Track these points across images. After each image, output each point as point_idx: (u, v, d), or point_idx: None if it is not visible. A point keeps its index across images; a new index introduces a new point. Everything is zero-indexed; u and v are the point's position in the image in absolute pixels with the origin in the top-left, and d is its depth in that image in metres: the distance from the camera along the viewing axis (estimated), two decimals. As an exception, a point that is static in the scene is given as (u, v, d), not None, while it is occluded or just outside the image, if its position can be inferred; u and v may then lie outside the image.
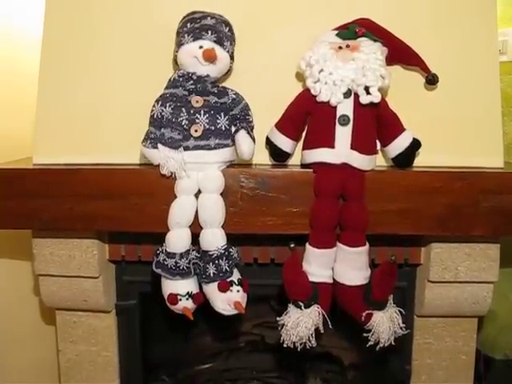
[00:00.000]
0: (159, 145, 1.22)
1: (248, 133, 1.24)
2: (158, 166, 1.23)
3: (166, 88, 1.26)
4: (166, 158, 1.21)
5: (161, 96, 1.25)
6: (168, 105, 1.23)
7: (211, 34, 1.23)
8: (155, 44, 1.39)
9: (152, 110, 1.24)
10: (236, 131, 1.25)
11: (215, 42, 1.24)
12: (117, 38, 1.41)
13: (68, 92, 1.42)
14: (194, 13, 1.29)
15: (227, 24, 1.30)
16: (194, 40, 1.23)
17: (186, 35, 1.24)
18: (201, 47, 1.22)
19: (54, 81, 1.42)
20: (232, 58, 1.30)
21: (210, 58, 1.22)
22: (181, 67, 1.27)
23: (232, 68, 1.32)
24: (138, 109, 1.30)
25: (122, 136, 1.38)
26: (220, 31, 1.26)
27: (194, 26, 1.25)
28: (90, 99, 1.41)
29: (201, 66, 1.24)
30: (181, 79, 1.24)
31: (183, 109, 1.23)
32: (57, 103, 1.42)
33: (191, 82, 1.24)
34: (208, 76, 1.24)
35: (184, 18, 1.30)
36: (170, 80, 1.26)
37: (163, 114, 1.23)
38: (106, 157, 1.38)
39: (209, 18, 1.27)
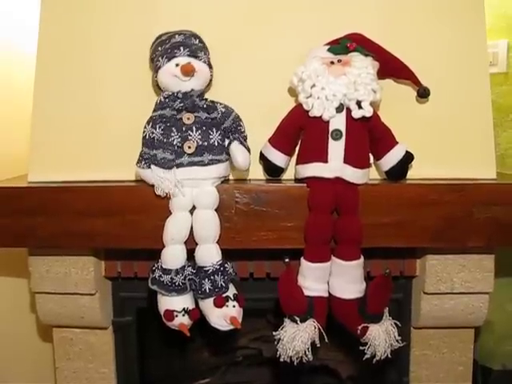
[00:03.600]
0: (152, 166, 1.22)
1: (241, 143, 1.26)
2: (153, 185, 1.24)
3: (154, 111, 1.26)
4: (159, 178, 1.22)
5: (150, 118, 1.26)
6: (158, 126, 1.24)
7: (183, 50, 1.25)
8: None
9: (143, 131, 1.25)
10: (229, 143, 1.26)
11: (189, 55, 1.25)
12: (112, 55, 1.42)
13: (63, 109, 1.42)
14: (160, 36, 1.31)
15: (196, 36, 1.31)
16: (168, 60, 1.24)
17: (160, 58, 1.26)
18: (177, 65, 1.24)
19: (49, 98, 1.42)
20: (210, 66, 1.30)
21: (188, 72, 1.23)
22: (164, 89, 1.28)
23: (212, 76, 1.32)
24: (133, 126, 1.30)
25: (118, 153, 1.39)
26: (191, 45, 1.27)
27: (165, 47, 1.27)
28: (85, 116, 1.42)
29: (183, 83, 1.25)
30: (167, 100, 1.25)
31: (173, 128, 1.24)
32: (52, 121, 1.42)
33: (178, 100, 1.24)
34: (193, 90, 1.25)
35: (153, 43, 1.32)
36: (156, 103, 1.27)
37: (154, 135, 1.24)
38: (101, 174, 1.39)
39: (176, 36, 1.28)
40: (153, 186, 1.24)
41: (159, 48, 1.28)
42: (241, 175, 1.36)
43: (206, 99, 1.28)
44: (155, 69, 1.28)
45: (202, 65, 1.27)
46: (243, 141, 1.27)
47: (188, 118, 1.25)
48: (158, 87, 1.31)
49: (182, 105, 1.24)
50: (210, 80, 1.32)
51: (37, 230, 1.31)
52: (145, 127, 1.25)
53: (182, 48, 1.25)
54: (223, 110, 1.28)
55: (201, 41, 1.31)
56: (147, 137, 1.24)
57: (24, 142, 1.62)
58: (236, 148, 1.25)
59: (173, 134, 1.24)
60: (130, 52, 1.41)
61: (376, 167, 1.35)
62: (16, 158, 1.71)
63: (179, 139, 1.23)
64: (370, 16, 1.39)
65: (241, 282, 1.32)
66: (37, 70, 1.43)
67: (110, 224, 1.30)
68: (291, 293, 1.25)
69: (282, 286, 1.25)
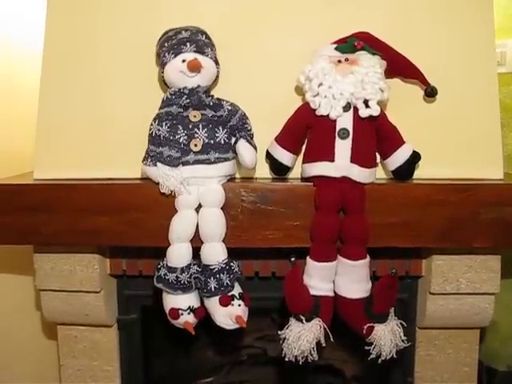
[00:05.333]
0: (158, 163, 1.22)
1: (248, 141, 1.25)
2: (159, 183, 1.24)
3: (161, 108, 1.26)
4: (165, 176, 1.21)
5: (156, 115, 1.26)
6: (164, 123, 1.23)
7: (190, 46, 1.24)
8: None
9: (150, 129, 1.25)
10: (236, 141, 1.26)
11: (196, 51, 1.25)
12: (118, 53, 1.42)
13: (69, 107, 1.42)
14: (167, 32, 1.31)
15: (202, 32, 1.31)
16: (175, 56, 1.24)
17: (166, 54, 1.25)
18: (184, 61, 1.23)
19: (55, 96, 1.42)
20: (217, 62, 1.30)
21: (195, 68, 1.23)
22: (170, 86, 1.28)
23: (219, 72, 1.32)
24: (139, 123, 1.31)
25: (124, 150, 1.39)
26: (197, 40, 1.27)
27: (171, 42, 1.26)
28: (91, 114, 1.42)
29: (189, 79, 1.25)
30: (173, 97, 1.25)
31: (179, 126, 1.24)
32: (58, 118, 1.42)
33: (185, 96, 1.24)
34: (199, 86, 1.25)
35: (159, 39, 1.32)
36: (163, 100, 1.27)
37: (160, 132, 1.23)
38: (107, 171, 1.39)
39: (183, 32, 1.28)
40: (158, 183, 1.24)
41: (166, 44, 1.28)
42: (247, 174, 1.36)
43: (213, 96, 1.28)
44: (161, 65, 1.27)
45: (208, 61, 1.26)
46: (250, 139, 1.26)
47: (194, 116, 1.24)
48: (164, 83, 1.31)
49: (188, 101, 1.24)
50: (217, 76, 1.32)
51: (41, 227, 1.31)
52: (151, 125, 1.25)
53: (188, 44, 1.24)
54: (229, 107, 1.27)
55: (207, 37, 1.31)
56: (153, 134, 1.24)
57: (24, 140, 1.63)
58: (243, 146, 1.25)
59: (179, 132, 1.23)
60: (136, 51, 1.41)
61: (383, 166, 1.35)
62: (16, 155, 1.72)
63: (185, 137, 1.23)
64: (378, 15, 1.39)
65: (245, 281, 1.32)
66: (43, 68, 1.43)
67: (114, 222, 1.30)
68: (297, 292, 1.25)
69: (288, 285, 1.25)
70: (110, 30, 1.42)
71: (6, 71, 1.79)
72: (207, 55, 1.26)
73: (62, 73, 1.43)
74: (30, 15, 1.77)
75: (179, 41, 1.26)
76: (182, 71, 1.24)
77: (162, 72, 1.28)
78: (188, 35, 1.27)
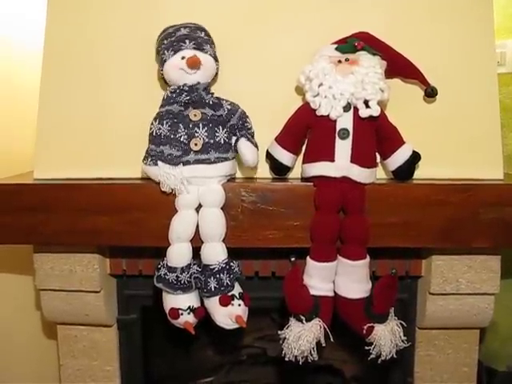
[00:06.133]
0: (159, 162, 1.22)
1: (249, 140, 1.25)
2: (159, 182, 1.23)
3: (162, 106, 1.26)
4: (165, 174, 1.21)
5: (157, 114, 1.26)
6: (165, 122, 1.24)
7: (189, 42, 1.24)
8: (156, 58, 1.40)
9: (150, 128, 1.25)
10: (237, 140, 1.26)
11: (195, 48, 1.25)
12: (118, 52, 1.42)
13: (69, 106, 1.42)
14: (166, 29, 1.31)
15: (202, 29, 1.31)
16: (174, 53, 1.24)
17: (165, 51, 1.25)
18: (183, 58, 1.23)
19: (55, 96, 1.42)
20: (216, 59, 1.30)
21: (194, 64, 1.23)
22: (170, 83, 1.28)
23: (218, 69, 1.32)
24: (139, 123, 1.31)
25: (124, 150, 1.39)
26: (197, 37, 1.27)
27: (170, 40, 1.26)
28: (91, 113, 1.42)
29: (189, 76, 1.25)
30: (174, 95, 1.25)
31: (180, 124, 1.24)
32: (58, 118, 1.42)
33: (185, 94, 1.24)
34: (199, 83, 1.25)
35: (159, 36, 1.32)
36: (163, 98, 1.27)
37: (161, 131, 1.23)
38: (107, 171, 1.39)
39: (182, 29, 1.28)
40: (158, 183, 1.24)
41: (165, 41, 1.27)
42: (247, 174, 1.36)
43: (212, 94, 1.28)
44: (161, 62, 1.27)
45: (207, 57, 1.26)
46: (251, 137, 1.27)
47: (195, 115, 1.24)
48: (164, 81, 1.31)
49: (188, 98, 1.24)
50: (216, 73, 1.32)
51: (41, 227, 1.31)
52: (151, 124, 1.25)
53: (187, 41, 1.24)
54: (229, 107, 1.27)
55: (206, 34, 1.31)
56: (154, 133, 1.24)
57: (24, 140, 1.63)
58: (244, 145, 1.25)
59: (180, 131, 1.23)
60: (136, 51, 1.41)
61: (383, 167, 1.35)
62: (16, 155, 1.71)
63: (186, 136, 1.23)
64: (378, 15, 1.39)
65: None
66: (43, 68, 1.43)
67: (114, 222, 1.30)
68: (297, 292, 1.25)
69: (288, 285, 1.25)
70: (109, 29, 1.42)
71: (6, 71, 1.79)
72: (206, 52, 1.26)
73: (62, 73, 1.43)
74: (30, 15, 1.77)
75: (178, 38, 1.26)
76: (182, 68, 1.24)
77: (162, 70, 1.28)
78: (187, 32, 1.27)
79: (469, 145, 1.38)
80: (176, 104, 1.24)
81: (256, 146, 1.27)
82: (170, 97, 1.25)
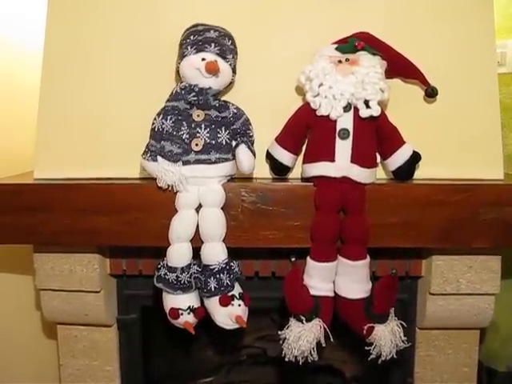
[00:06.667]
0: (158, 157, 1.22)
1: (248, 147, 1.25)
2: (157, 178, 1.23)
3: (168, 101, 1.26)
4: (164, 170, 1.21)
5: (162, 109, 1.25)
6: (169, 118, 1.23)
7: (214, 47, 1.24)
8: (156, 58, 1.39)
9: (153, 123, 1.24)
10: (236, 146, 1.26)
11: (218, 54, 1.24)
12: (118, 51, 1.42)
13: (69, 107, 1.42)
14: (196, 25, 1.29)
15: (230, 37, 1.30)
16: (196, 52, 1.23)
17: (188, 47, 1.24)
18: (203, 59, 1.23)
19: (55, 96, 1.42)
20: (234, 71, 1.30)
21: (212, 70, 1.22)
22: (183, 79, 1.27)
23: (234, 81, 1.32)
24: (138, 123, 1.31)
25: (124, 150, 1.38)
26: (223, 44, 1.26)
27: (197, 38, 1.25)
28: (91, 114, 1.42)
29: (203, 79, 1.24)
30: (183, 92, 1.24)
31: (184, 122, 1.24)
32: (58, 118, 1.42)
33: (193, 94, 1.23)
34: (210, 88, 1.24)
35: (187, 30, 1.30)
36: (172, 93, 1.26)
37: (164, 126, 1.23)
38: (107, 171, 1.39)
39: (212, 31, 1.27)
40: (155, 179, 1.24)
41: (191, 36, 1.26)
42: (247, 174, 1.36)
43: (219, 100, 1.28)
44: (181, 56, 1.26)
45: (226, 67, 1.26)
46: (250, 145, 1.26)
47: (198, 116, 1.24)
48: (177, 73, 1.30)
49: (195, 99, 1.23)
50: (230, 83, 1.32)
51: (41, 227, 1.31)
52: (154, 119, 1.25)
53: (213, 44, 1.24)
54: (235, 111, 1.27)
55: (233, 43, 1.31)
56: (156, 129, 1.24)
57: (24, 140, 1.63)
58: (243, 152, 1.24)
59: (183, 128, 1.24)
60: (136, 51, 1.41)
61: (383, 167, 1.35)
62: (16, 155, 1.71)
63: (187, 135, 1.23)
64: (378, 15, 1.39)
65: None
66: (43, 68, 1.43)
67: (113, 222, 1.30)
68: (297, 292, 1.25)
69: (288, 285, 1.25)
70: (110, 29, 1.42)
71: (6, 71, 1.79)
72: (228, 61, 1.26)
73: (62, 73, 1.42)
74: (30, 15, 1.77)
75: (205, 39, 1.25)
76: (199, 69, 1.23)
77: (179, 63, 1.26)
78: (215, 36, 1.26)
79: (469, 145, 1.38)
80: (183, 101, 1.24)
81: (254, 154, 1.26)
82: (178, 93, 1.24)
